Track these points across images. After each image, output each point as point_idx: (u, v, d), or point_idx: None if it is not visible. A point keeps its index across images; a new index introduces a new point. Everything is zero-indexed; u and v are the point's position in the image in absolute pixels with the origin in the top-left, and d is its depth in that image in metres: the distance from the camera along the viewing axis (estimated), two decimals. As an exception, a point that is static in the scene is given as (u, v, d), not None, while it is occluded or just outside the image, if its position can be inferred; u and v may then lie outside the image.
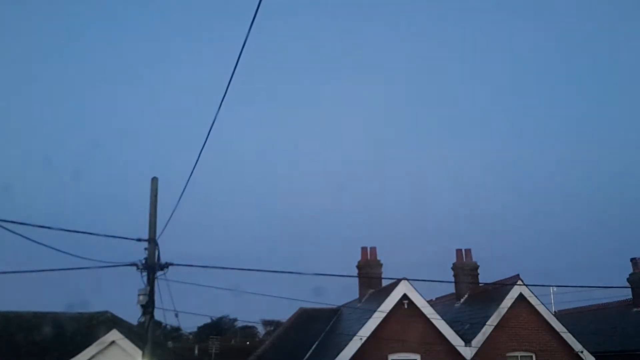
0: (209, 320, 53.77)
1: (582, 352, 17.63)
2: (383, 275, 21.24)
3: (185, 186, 11.27)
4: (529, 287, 18.02)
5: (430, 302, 18.59)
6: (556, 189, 77.81)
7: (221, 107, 8.48)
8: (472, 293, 21.19)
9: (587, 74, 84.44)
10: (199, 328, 55.17)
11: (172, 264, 11.01)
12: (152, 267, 10.84)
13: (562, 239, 72.48)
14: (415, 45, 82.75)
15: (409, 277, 16.95)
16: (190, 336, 54.69)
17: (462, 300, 21.41)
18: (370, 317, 16.53)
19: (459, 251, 21.51)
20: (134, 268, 10.76)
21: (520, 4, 77.25)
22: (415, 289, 17.01)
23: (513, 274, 18.77)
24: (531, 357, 17.68)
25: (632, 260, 22.65)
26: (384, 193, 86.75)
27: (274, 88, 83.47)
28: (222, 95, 8.16)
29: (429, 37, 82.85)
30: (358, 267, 21.77)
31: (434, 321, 16.82)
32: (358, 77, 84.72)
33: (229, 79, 7.64)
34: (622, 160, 77.01)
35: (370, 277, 20.96)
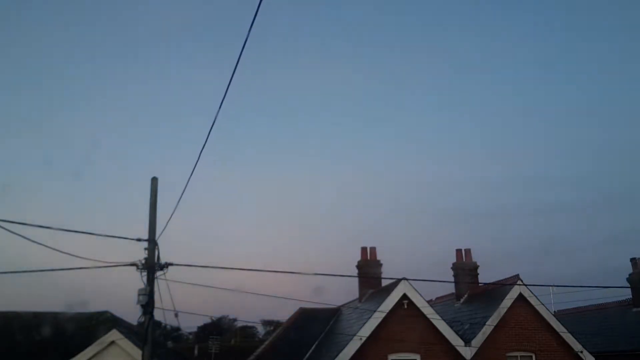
0: (209, 320, 53.78)
1: (582, 352, 17.63)
2: (383, 275, 21.28)
3: (186, 186, 11.28)
4: (529, 287, 18.03)
5: (430, 302, 18.60)
6: (556, 188, 77.86)
7: (221, 107, 8.49)
8: (472, 293, 21.20)
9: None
10: (199, 328, 55.21)
11: (172, 264, 11.01)
12: (152, 267, 10.84)
13: (561, 238, 72.44)
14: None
15: (409, 277, 16.99)
16: (190, 336, 54.73)
17: (462, 300, 21.42)
18: (370, 317, 16.54)
19: (458, 251, 21.51)
20: (134, 268, 10.77)
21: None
22: (415, 289, 17.02)
23: (513, 274, 18.82)
24: (531, 357, 17.69)
25: (632, 260, 22.67)
26: (383, 193, 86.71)
27: (275, 88, 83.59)
28: (223, 95, 8.17)
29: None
30: (358, 267, 21.77)
31: (433, 321, 16.82)
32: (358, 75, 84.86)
33: (229, 78, 7.64)
34: (622, 159, 77.03)
35: (370, 277, 20.96)
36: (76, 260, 9.98)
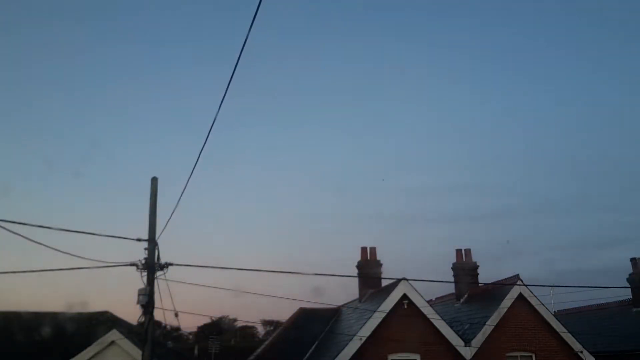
0: (209, 320, 53.84)
1: (581, 352, 17.64)
2: (383, 275, 21.27)
3: (185, 186, 11.26)
4: (529, 287, 18.04)
5: (430, 302, 18.60)
6: (555, 189, 77.88)
7: (221, 107, 8.48)
8: (471, 293, 21.20)
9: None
10: (199, 328, 55.24)
11: (172, 264, 11.01)
12: (152, 267, 10.84)
13: (562, 238, 72.48)
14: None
15: (408, 277, 16.99)
16: (190, 336, 54.75)
17: (461, 300, 21.42)
18: (370, 317, 16.54)
19: (458, 251, 21.51)
20: (134, 268, 10.77)
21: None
22: (415, 289, 17.02)
23: (513, 274, 18.83)
24: (531, 357, 17.69)
25: (632, 260, 22.68)
26: (383, 193, 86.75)
27: (275, 89, 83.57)
28: (223, 95, 8.16)
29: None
30: (358, 267, 21.77)
31: (433, 321, 16.82)
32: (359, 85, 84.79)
33: (229, 78, 7.63)
34: (623, 159, 77.08)
35: (370, 277, 20.96)
36: (76, 260, 9.98)
